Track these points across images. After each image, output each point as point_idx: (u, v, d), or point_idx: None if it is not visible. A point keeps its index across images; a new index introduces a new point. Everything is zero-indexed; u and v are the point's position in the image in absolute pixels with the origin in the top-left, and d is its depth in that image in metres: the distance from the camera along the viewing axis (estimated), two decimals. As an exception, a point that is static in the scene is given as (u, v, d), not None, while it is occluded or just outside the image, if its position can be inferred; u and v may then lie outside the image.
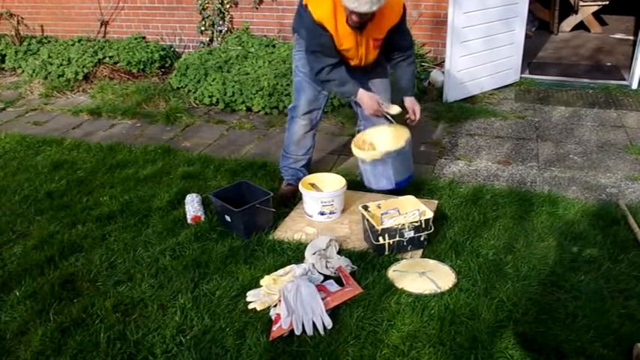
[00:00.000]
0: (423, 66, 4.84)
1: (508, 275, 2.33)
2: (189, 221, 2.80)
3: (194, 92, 4.60)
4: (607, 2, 6.14)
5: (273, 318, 2.10)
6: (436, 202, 2.88)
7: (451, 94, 4.40)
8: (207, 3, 5.45)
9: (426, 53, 4.94)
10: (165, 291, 2.29)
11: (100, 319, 2.16)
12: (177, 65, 4.98)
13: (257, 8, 5.35)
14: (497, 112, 4.19)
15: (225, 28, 5.48)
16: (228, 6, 5.42)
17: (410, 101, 2.85)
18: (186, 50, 5.67)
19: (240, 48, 5.00)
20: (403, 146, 2.70)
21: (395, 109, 2.76)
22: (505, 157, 3.50)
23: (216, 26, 5.50)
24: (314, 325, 2.04)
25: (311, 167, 3.12)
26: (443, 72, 4.42)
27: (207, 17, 5.51)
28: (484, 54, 4.40)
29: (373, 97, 2.69)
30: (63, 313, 2.20)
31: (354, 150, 2.77)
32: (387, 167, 2.70)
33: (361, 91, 2.66)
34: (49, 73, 5.27)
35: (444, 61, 4.38)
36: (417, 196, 2.76)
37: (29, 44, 5.78)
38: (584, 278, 2.30)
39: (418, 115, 2.85)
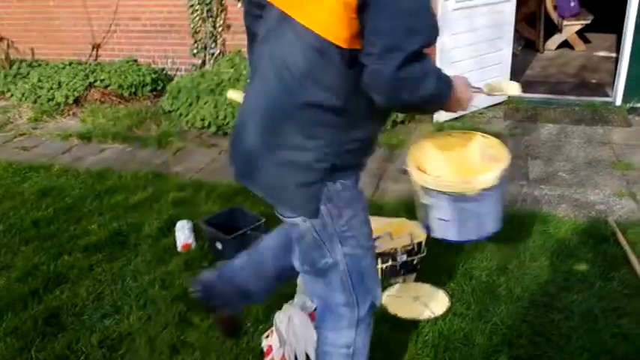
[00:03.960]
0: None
1: (501, 297, 2.32)
2: (179, 249, 2.76)
3: (186, 115, 4.59)
4: (589, 21, 6.25)
5: (264, 350, 2.06)
6: (428, 224, 2.86)
7: (441, 115, 4.40)
8: (200, 26, 5.47)
9: (416, 73, 4.97)
10: (153, 324, 2.24)
11: (84, 355, 2.10)
12: (169, 88, 4.98)
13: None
14: (487, 131, 4.18)
15: (218, 51, 5.49)
16: (220, 29, 5.44)
17: None
18: (178, 73, 5.68)
19: (232, 71, 5.02)
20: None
21: (513, 88, 1.73)
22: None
23: (208, 49, 5.52)
24: (307, 356, 2.01)
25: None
26: (433, 92, 4.43)
27: (199, 40, 5.52)
28: (473, 74, 4.43)
29: (464, 79, 1.49)
30: (46, 349, 2.13)
31: (425, 178, 1.68)
32: (497, 200, 1.72)
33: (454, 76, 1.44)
34: (39, 97, 5.24)
35: (433, 82, 4.40)
36: (409, 218, 2.74)
37: (19, 68, 5.76)
38: (576, 298, 2.29)
39: None
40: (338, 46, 1.27)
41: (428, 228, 1.81)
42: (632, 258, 2.51)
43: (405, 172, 1.70)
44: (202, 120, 4.44)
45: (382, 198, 3.26)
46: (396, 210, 3.01)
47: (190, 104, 4.60)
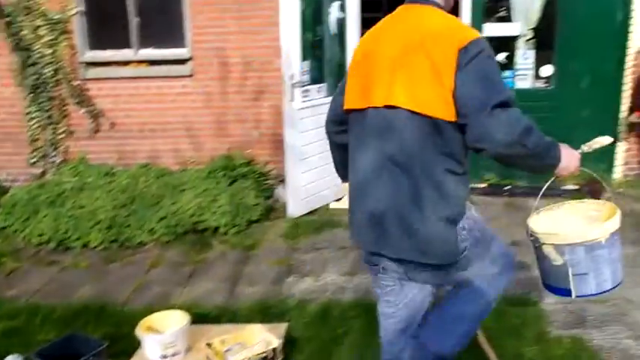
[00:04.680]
0: (267, 183, 5.01)
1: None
2: (4, 391, 2.41)
3: (22, 231, 4.20)
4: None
5: None
6: (285, 324, 2.81)
7: (295, 210, 4.54)
8: (39, 134, 5.18)
9: (270, 171, 5.14)
10: None
11: None
12: (2, 202, 4.55)
13: (94, 136, 5.21)
14: (341, 223, 4.37)
15: (60, 159, 5.21)
16: (62, 136, 5.20)
17: None
18: (14, 184, 5.23)
19: (75, 179, 4.75)
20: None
21: (608, 139, 1.93)
22: (350, 267, 3.62)
23: (48, 158, 5.21)
24: None
25: (152, 304, 2.89)
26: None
27: (38, 149, 5.20)
28: (324, 168, 4.63)
29: (564, 144, 1.76)
30: None
31: (559, 234, 1.80)
32: (621, 247, 1.81)
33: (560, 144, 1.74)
34: None
35: (286, 178, 4.57)
36: (265, 320, 2.70)
37: None
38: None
39: None
40: (449, 122, 1.64)
41: (566, 292, 1.87)
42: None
43: (531, 236, 1.88)
44: (40, 235, 4.10)
45: (236, 304, 3.17)
46: (250, 315, 2.95)
47: (27, 218, 4.24)
